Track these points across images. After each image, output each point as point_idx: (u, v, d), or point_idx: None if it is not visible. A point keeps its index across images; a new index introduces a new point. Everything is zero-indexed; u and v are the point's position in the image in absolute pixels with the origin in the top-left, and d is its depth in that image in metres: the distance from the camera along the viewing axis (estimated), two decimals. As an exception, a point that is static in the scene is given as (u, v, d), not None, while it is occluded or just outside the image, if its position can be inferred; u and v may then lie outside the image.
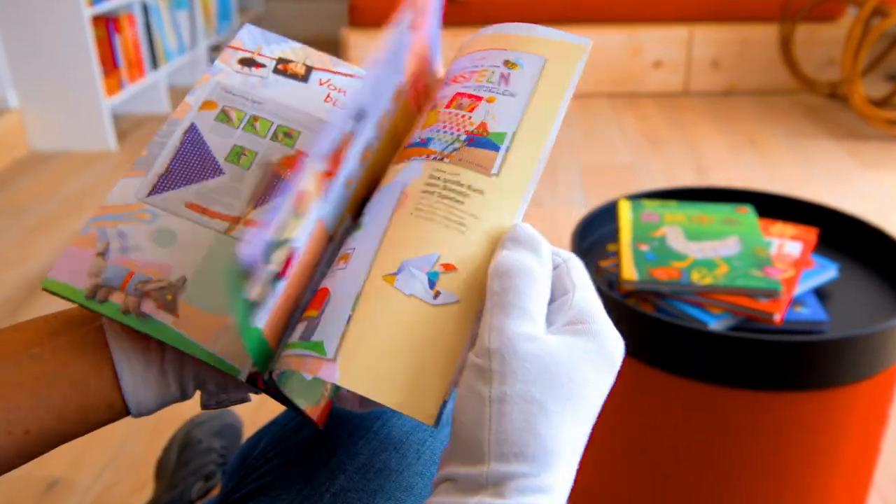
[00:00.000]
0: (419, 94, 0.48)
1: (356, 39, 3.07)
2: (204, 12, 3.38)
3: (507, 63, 0.43)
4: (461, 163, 0.40)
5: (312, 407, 0.44)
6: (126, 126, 2.85)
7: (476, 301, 0.37)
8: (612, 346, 0.36)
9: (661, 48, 3.03)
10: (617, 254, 0.98)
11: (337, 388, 0.47)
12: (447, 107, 0.43)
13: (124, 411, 0.44)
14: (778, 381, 0.82)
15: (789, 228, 1.01)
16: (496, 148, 0.40)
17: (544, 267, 0.37)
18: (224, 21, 3.67)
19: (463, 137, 0.41)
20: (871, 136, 2.56)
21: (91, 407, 0.43)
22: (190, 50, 3.24)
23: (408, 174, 0.41)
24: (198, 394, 0.48)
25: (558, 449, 0.33)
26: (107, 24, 2.59)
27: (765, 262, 0.91)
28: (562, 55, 0.43)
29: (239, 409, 1.17)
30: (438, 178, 0.40)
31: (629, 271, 0.91)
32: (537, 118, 0.41)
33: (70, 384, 0.42)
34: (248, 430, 1.17)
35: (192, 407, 1.25)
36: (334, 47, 3.86)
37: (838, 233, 1.05)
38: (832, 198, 2.09)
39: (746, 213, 1.02)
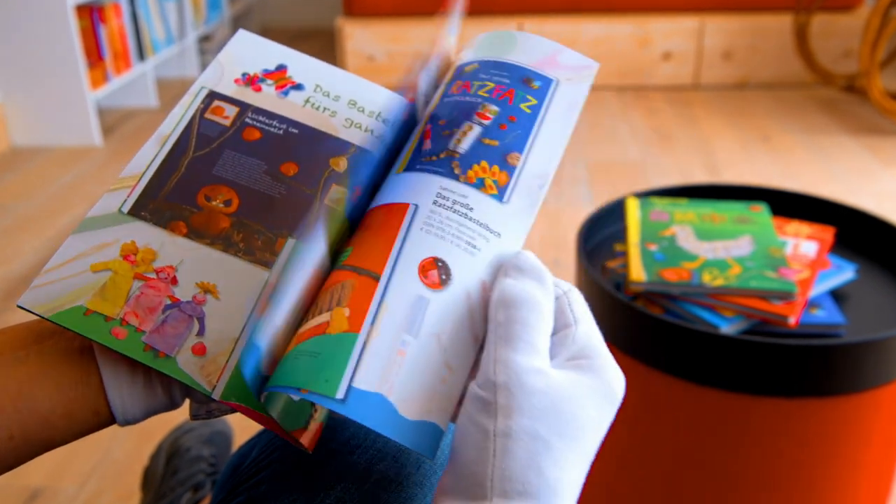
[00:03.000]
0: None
1: (352, 29, 3.07)
2: (193, 2, 3.38)
3: (525, 80, 0.44)
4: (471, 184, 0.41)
5: (299, 430, 0.44)
6: (112, 120, 2.85)
7: (480, 331, 0.38)
8: (614, 383, 0.37)
9: (670, 39, 3.03)
10: (624, 254, 0.98)
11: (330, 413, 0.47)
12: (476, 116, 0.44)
13: (110, 419, 0.44)
14: (793, 386, 0.82)
15: (805, 227, 1.01)
16: (510, 172, 0.42)
17: (548, 298, 0.38)
18: (214, 11, 3.67)
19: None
20: (889, 132, 2.57)
21: (77, 413, 0.43)
22: (178, 41, 3.24)
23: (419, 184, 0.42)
24: (187, 403, 0.48)
25: (561, 487, 0.34)
26: (91, 14, 2.59)
27: (779, 262, 0.91)
28: (571, 77, 0.44)
29: (229, 416, 1.17)
30: (447, 197, 0.41)
31: (637, 272, 0.91)
32: (547, 144, 0.42)
33: (56, 388, 0.42)
34: (240, 438, 1.17)
35: (180, 413, 1.25)
36: (329, 37, 3.87)
37: (856, 232, 1.05)
38: (849, 195, 2.09)
39: (760, 211, 1.02)
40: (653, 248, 0.96)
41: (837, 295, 0.94)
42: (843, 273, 0.94)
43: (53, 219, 2.08)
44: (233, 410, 0.47)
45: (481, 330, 0.38)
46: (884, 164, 2.32)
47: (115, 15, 2.73)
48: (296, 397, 0.43)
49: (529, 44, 0.45)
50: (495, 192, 0.41)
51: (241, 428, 1.20)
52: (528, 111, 0.43)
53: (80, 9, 2.55)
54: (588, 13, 3.08)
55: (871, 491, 0.94)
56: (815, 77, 2.99)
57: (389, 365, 0.36)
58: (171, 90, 3.19)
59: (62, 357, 0.43)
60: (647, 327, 0.86)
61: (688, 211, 1.03)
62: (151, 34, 2.99)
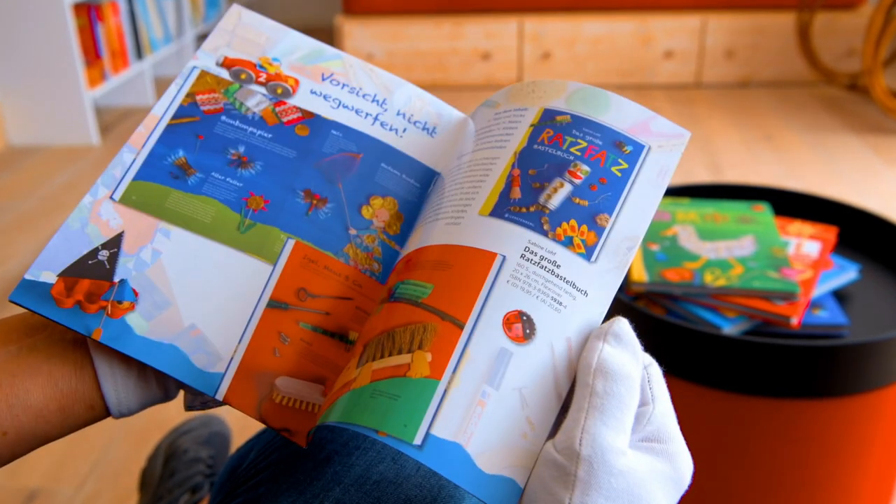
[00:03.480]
0: None
1: (351, 28, 3.07)
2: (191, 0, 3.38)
3: (618, 144, 0.45)
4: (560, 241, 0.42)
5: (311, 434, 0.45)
6: (109, 119, 2.85)
7: (563, 390, 0.38)
8: (685, 471, 0.38)
9: (672, 37, 3.03)
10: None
11: None
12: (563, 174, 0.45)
13: (105, 412, 0.44)
14: (795, 387, 0.82)
15: (807, 227, 1.01)
16: (599, 233, 0.43)
17: (639, 374, 0.38)
18: (212, 8, 3.67)
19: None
20: (893, 130, 2.57)
21: (71, 407, 0.43)
22: (176, 39, 3.24)
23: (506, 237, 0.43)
24: (181, 396, 0.48)
25: None
26: (89, 12, 2.59)
27: (782, 262, 0.91)
28: (663, 144, 0.45)
29: (228, 417, 1.17)
30: (535, 252, 0.41)
31: (639, 272, 0.91)
32: (635, 208, 0.43)
33: (49, 382, 0.42)
34: (238, 440, 1.17)
35: (177, 413, 1.25)
36: (328, 36, 3.87)
37: (859, 232, 1.05)
38: (852, 195, 2.09)
39: (762, 211, 1.02)
40: (654, 247, 0.96)
41: (840, 295, 0.94)
42: (846, 273, 0.94)
43: (50, 218, 2.08)
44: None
45: (565, 389, 0.38)
46: (887, 164, 2.31)
47: (113, 13, 2.73)
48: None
49: (623, 108, 0.46)
50: (583, 251, 0.42)
51: (239, 429, 1.20)
52: (618, 174, 0.44)
53: (78, 7, 2.55)
54: (589, 11, 3.08)
55: (874, 492, 0.94)
56: (818, 75, 2.99)
57: (468, 415, 0.37)
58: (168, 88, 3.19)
59: (54, 350, 0.43)
60: (648, 328, 0.86)
61: (690, 210, 1.03)
62: (149, 32, 2.99)
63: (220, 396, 0.43)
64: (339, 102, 0.51)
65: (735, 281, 0.88)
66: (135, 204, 0.46)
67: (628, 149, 0.45)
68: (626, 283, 0.93)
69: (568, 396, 0.38)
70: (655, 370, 0.40)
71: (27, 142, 2.59)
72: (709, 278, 0.89)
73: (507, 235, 0.42)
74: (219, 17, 3.75)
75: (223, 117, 0.49)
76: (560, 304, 0.40)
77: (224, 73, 0.51)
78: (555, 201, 0.43)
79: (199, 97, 0.50)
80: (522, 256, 0.41)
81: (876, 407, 0.86)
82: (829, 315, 0.88)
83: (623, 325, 0.39)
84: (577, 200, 0.43)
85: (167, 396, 0.46)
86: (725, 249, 0.95)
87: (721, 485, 0.90)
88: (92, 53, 2.63)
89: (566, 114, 0.46)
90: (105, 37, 2.68)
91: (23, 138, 2.59)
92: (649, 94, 3.00)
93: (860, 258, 1.02)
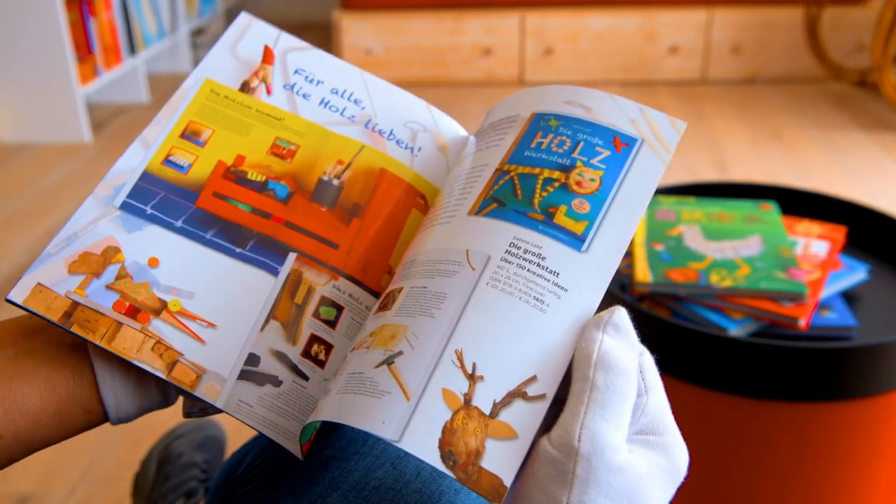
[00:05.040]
0: None
1: (349, 23, 3.07)
2: (185, -6, 3.38)
3: (613, 140, 0.46)
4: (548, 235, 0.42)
5: (305, 442, 0.45)
6: (101, 116, 2.85)
7: (554, 387, 0.37)
8: (681, 462, 0.37)
9: (677, 33, 3.03)
10: (630, 254, 0.98)
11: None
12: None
13: (103, 417, 0.44)
14: (803, 390, 0.82)
15: (815, 227, 1.01)
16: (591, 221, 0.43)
17: (637, 366, 0.38)
18: (207, 3, 3.67)
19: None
20: (903, 128, 2.57)
21: (68, 411, 0.43)
22: (170, 35, 3.24)
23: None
24: (180, 402, 0.48)
25: None
26: (81, 7, 2.59)
27: (789, 262, 0.91)
28: (657, 136, 0.46)
29: (223, 420, 1.17)
30: (519, 247, 0.41)
31: (643, 273, 0.91)
32: (630, 196, 0.43)
33: (47, 386, 0.42)
34: (233, 444, 1.17)
35: (172, 417, 1.25)
36: (326, 32, 3.87)
37: (868, 232, 1.05)
38: (862, 194, 2.09)
39: (769, 210, 1.02)
40: (659, 247, 0.96)
41: (849, 296, 0.94)
42: (855, 274, 0.94)
43: (41, 218, 2.08)
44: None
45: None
46: (897, 162, 2.32)
47: (106, 8, 2.73)
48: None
49: (617, 104, 0.47)
50: (575, 238, 0.41)
51: (235, 433, 1.20)
52: (607, 167, 0.44)
53: (70, 1, 2.55)
54: (593, 5, 3.08)
55: (883, 496, 0.94)
56: (827, 72, 2.99)
57: None
58: (162, 85, 3.19)
59: (53, 354, 0.43)
60: (653, 330, 0.86)
61: (695, 210, 1.03)
62: (142, 28, 2.99)
63: (220, 404, 0.43)
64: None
65: (741, 281, 0.88)
66: (136, 210, 0.47)
67: (623, 142, 0.45)
68: (631, 284, 0.93)
69: (562, 389, 0.38)
70: (648, 359, 0.39)
71: (17, 139, 2.59)
72: (715, 279, 0.89)
73: (492, 231, 0.42)
74: (213, 13, 3.75)
75: None
76: (542, 302, 0.39)
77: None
78: (543, 198, 0.43)
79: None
80: (507, 252, 0.41)
81: (885, 410, 0.86)
82: (838, 316, 0.88)
83: (622, 314, 0.39)
84: (570, 191, 0.43)
85: (166, 402, 0.46)
86: (732, 249, 0.95)
87: (728, 489, 0.90)
88: (84, 49, 2.63)
89: (552, 116, 0.48)
90: (97, 32, 2.68)
91: (13, 136, 2.59)
92: (654, 90, 3.00)
93: (869, 258, 1.02)
